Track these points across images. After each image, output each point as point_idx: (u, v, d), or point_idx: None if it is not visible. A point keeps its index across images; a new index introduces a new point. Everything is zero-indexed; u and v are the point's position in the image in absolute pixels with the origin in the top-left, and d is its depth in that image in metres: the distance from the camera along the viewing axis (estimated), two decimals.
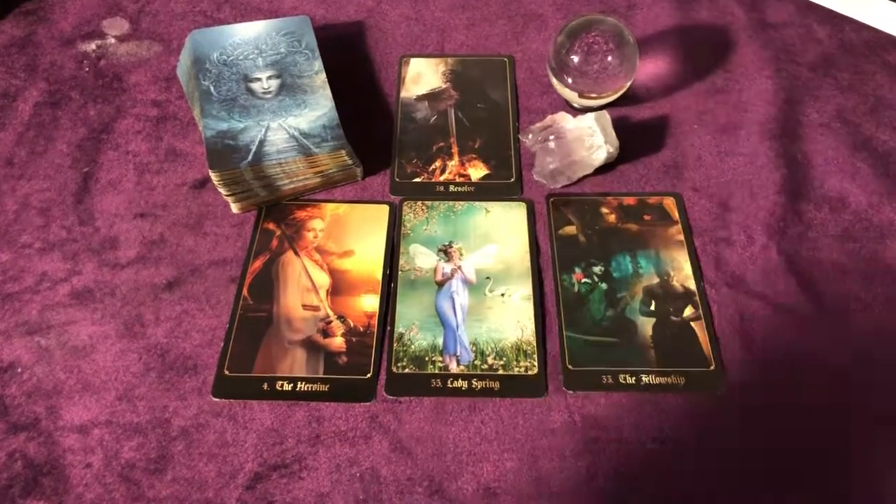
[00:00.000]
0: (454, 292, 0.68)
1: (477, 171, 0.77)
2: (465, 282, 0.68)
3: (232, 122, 0.73)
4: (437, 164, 0.78)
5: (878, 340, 0.64)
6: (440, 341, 0.65)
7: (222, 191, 0.71)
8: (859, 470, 0.57)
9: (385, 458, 0.58)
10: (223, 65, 0.79)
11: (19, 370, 0.63)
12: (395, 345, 0.64)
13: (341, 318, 0.66)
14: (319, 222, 0.72)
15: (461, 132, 0.80)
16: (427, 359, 0.64)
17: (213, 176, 0.69)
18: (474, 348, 0.64)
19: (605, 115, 0.75)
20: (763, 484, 0.57)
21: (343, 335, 0.65)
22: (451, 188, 0.76)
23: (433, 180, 0.76)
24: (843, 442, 0.59)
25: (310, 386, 0.62)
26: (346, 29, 0.91)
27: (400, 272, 0.69)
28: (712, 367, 0.63)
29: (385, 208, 0.74)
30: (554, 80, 0.80)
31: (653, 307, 0.66)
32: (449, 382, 0.62)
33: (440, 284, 0.68)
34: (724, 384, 0.62)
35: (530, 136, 0.76)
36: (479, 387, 0.62)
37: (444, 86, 0.85)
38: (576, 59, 0.76)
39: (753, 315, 0.66)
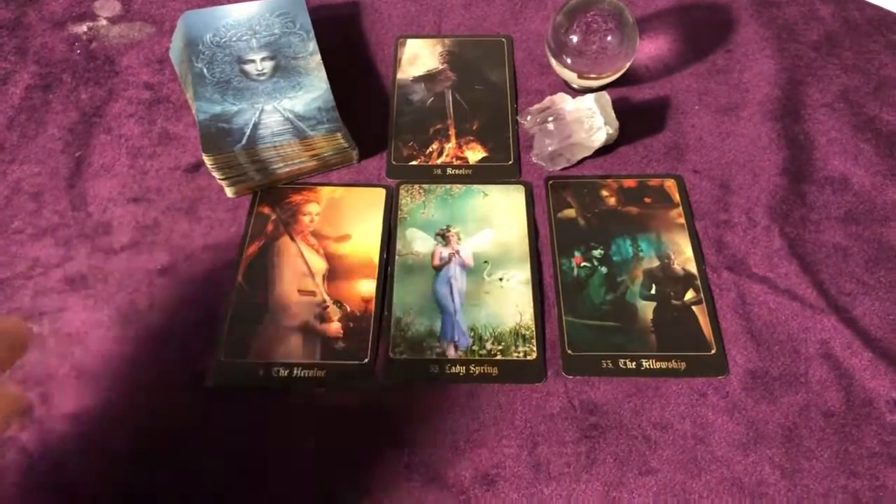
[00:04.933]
0: (452, 277, 0.67)
1: (475, 154, 0.76)
2: (463, 266, 0.68)
3: (226, 105, 0.72)
4: (435, 146, 0.76)
5: (881, 324, 0.63)
6: (438, 326, 0.64)
7: (216, 175, 0.70)
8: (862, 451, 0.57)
9: (382, 445, 0.58)
10: (216, 46, 0.78)
11: None
12: (392, 330, 0.63)
13: (338, 303, 0.65)
14: (315, 206, 0.71)
15: (458, 114, 0.79)
16: (425, 344, 0.63)
17: (207, 160, 0.68)
18: (472, 333, 0.63)
19: (605, 96, 0.74)
20: (760, 466, 0.56)
21: (340, 320, 0.64)
22: (449, 171, 0.75)
23: (430, 163, 0.75)
24: (839, 424, 0.58)
25: (306, 372, 0.61)
26: (341, 9, 0.90)
27: (397, 257, 0.68)
28: (713, 352, 0.62)
29: (382, 192, 0.73)
30: (553, 61, 0.78)
31: (653, 291, 0.66)
32: (447, 368, 0.62)
33: (438, 269, 0.67)
34: (725, 369, 0.61)
35: (529, 117, 0.75)
36: (477, 372, 0.61)
37: (441, 67, 0.83)
38: (575, 39, 0.75)
39: (755, 299, 0.65)
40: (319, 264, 0.67)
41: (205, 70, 0.75)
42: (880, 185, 0.72)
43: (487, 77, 0.82)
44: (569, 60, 0.76)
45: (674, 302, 0.65)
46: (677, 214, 0.70)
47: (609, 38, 0.74)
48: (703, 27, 0.86)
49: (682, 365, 0.61)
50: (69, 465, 0.57)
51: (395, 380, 0.61)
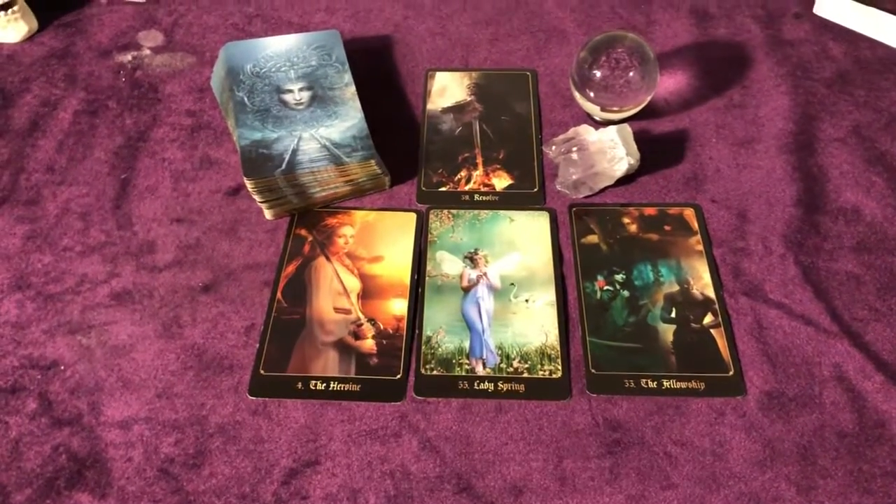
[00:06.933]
0: (480, 298, 0.70)
1: (501, 181, 0.79)
2: (491, 288, 0.71)
3: (266, 132, 0.76)
4: (463, 174, 0.80)
5: (893, 349, 0.66)
6: (467, 345, 0.67)
7: (256, 198, 0.74)
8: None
9: (415, 456, 0.61)
10: (256, 76, 0.82)
11: (62, 367, 0.66)
12: (423, 347, 0.67)
13: (371, 320, 0.68)
14: (350, 229, 0.75)
15: (485, 143, 0.83)
16: (454, 361, 0.66)
17: (248, 183, 0.72)
18: (500, 352, 0.66)
19: (627, 128, 0.77)
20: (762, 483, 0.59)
21: (373, 337, 0.67)
22: (476, 197, 0.78)
23: (458, 189, 0.79)
24: (853, 444, 0.61)
25: (342, 386, 0.64)
26: (374, 43, 0.94)
27: (427, 278, 0.71)
28: (731, 373, 0.65)
29: (412, 216, 0.76)
30: (576, 94, 0.82)
31: (673, 314, 0.68)
32: (476, 384, 0.64)
33: (466, 290, 0.71)
34: (742, 389, 0.64)
35: (553, 147, 0.78)
36: (504, 389, 0.64)
37: (468, 98, 0.87)
38: (599, 73, 0.78)
39: (771, 323, 0.68)
40: (354, 284, 0.71)
41: (245, 98, 0.79)
42: (891, 216, 0.75)
43: (513, 108, 0.86)
44: (592, 94, 0.80)
45: (693, 325, 0.68)
46: (696, 242, 0.73)
47: (631, 73, 0.78)
48: (721, 64, 0.90)
49: (702, 385, 0.64)
50: (115, 470, 0.60)
51: (427, 395, 0.64)
